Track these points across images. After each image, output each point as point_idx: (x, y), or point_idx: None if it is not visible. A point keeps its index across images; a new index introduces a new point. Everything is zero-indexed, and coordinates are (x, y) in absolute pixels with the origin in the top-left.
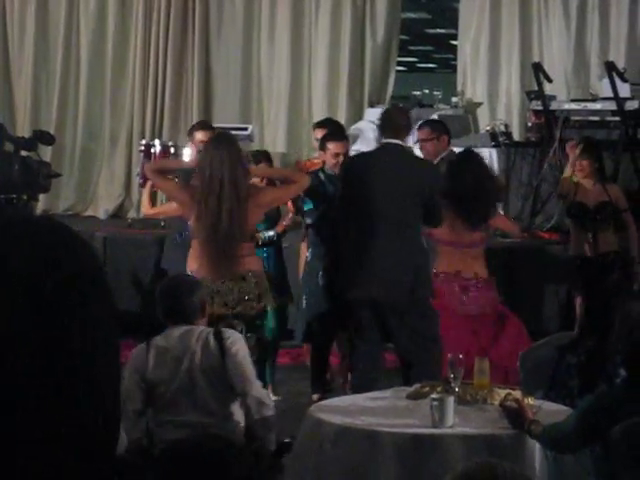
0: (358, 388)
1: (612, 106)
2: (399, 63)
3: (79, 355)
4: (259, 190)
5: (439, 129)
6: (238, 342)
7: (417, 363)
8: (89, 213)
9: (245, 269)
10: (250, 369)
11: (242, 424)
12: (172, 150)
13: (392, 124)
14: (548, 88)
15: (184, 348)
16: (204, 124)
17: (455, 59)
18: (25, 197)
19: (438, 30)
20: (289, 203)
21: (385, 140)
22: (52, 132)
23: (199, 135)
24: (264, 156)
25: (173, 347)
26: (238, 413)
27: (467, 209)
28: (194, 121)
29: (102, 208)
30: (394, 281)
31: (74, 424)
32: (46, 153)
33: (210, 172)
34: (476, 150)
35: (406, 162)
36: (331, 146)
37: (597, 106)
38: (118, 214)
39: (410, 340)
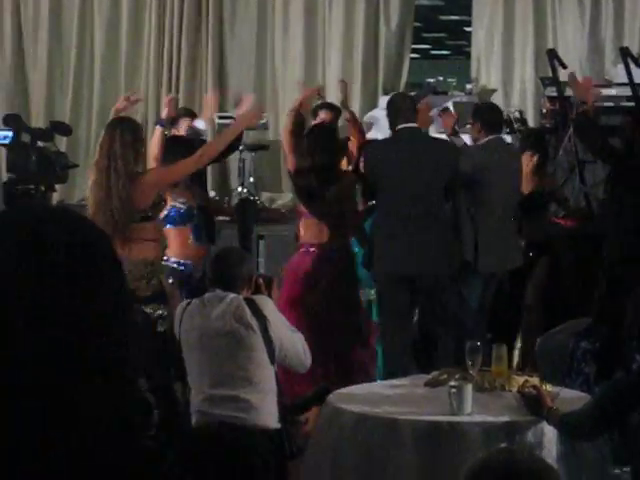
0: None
1: (627, 92)
2: (412, 50)
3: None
4: (146, 171)
5: (474, 116)
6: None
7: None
8: None
9: (142, 255)
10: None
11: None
12: None
13: (400, 109)
14: (563, 74)
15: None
16: (190, 111)
17: (469, 46)
18: (42, 188)
19: (451, 17)
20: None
21: (400, 126)
22: (67, 123)
23: (186, 121)
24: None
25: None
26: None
27: None
28: None
29: None
30: (435, 258)
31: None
32: (61, 144)
33: (106, 148)
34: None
35: (426, 144)
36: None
37: (612, 92)
38: None
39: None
